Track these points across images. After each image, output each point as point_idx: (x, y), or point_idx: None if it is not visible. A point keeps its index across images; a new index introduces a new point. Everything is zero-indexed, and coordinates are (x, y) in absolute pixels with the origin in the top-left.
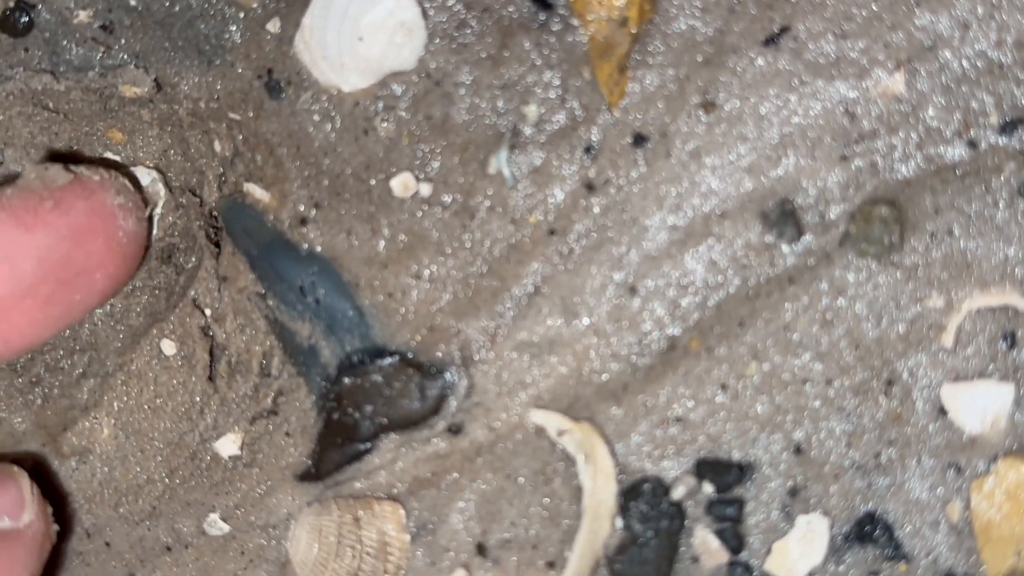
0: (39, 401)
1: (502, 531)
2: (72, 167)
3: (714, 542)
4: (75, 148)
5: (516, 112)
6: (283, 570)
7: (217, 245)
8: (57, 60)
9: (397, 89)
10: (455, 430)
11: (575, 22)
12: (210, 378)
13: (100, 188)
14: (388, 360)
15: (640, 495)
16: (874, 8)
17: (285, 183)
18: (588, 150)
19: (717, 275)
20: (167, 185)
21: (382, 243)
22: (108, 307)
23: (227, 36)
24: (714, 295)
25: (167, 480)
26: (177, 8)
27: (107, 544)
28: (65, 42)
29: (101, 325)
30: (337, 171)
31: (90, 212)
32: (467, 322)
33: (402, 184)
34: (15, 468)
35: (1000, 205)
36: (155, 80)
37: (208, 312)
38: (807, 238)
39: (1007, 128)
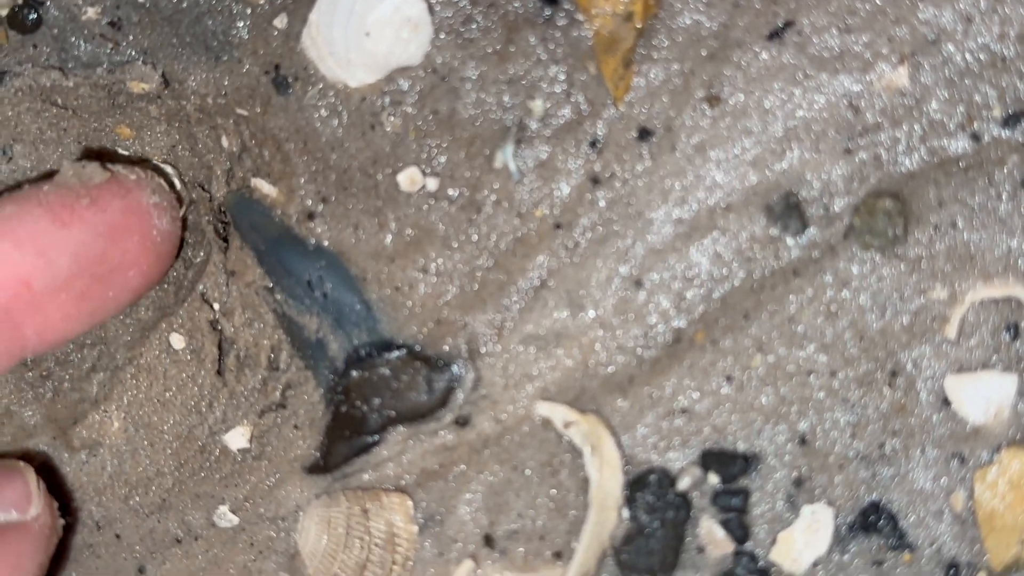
0: (49, 395)
1: (509, 522)
2: (109, 165)
3: (720, 532)
4: (84, 144)
5: (522, 107)
6: (292, 561)
7: (225, 240)
8: (66, 56)
9: (403, 84)
10: (462, 422)
11: (580, 17)
12: (219, 372)
13: (136, 187)
14: (395, 353)
15: (646, 486)
16: (878, 2)
17: (292, 178)
18: (593, 144)
19: (722, 268)
20: (180, 180)
21: (389, 237)
22: None
23: (234, 32)
24: (719, 288)
25: (177, 473)
26: (185, 4)
27: (117, 536)
28: (73, 39)
29: (111, 319)
30: (344, 166)
31: (126, 210)
32: (474, 315)
33: (409, 179)
34: (21, 463)
35: (1003, 197)
36: (163, 76)
37: (216, 306)
38: (811, 231)
39: (1010, 121)
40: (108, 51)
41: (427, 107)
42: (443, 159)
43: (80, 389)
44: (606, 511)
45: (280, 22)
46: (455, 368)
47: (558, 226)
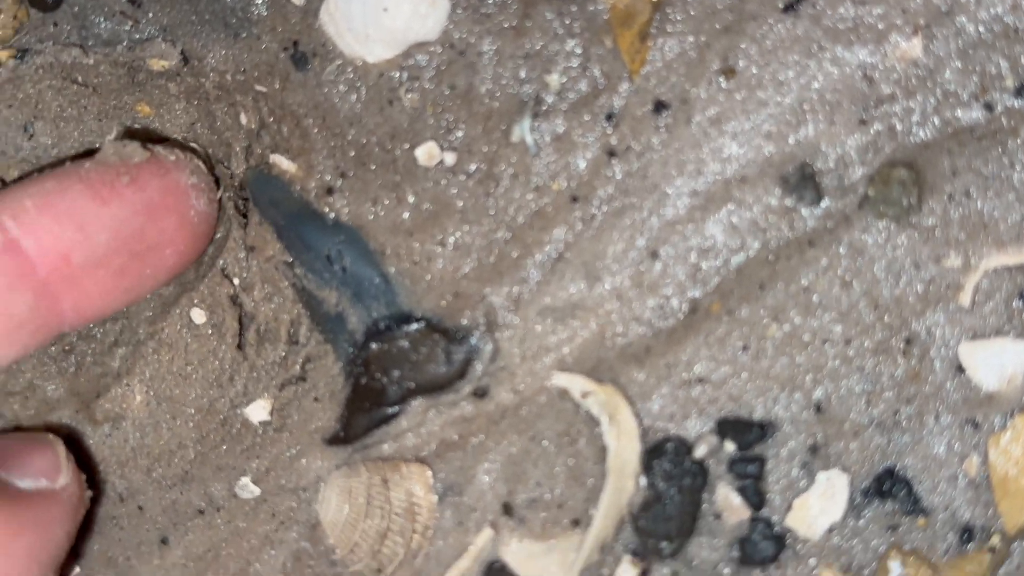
0: (72, 369)
1: (528, 491)
2: (149, 145)
3: (736, 499)
4: (103, 121)
5: (539, 81)
6: (313, 531)
7: (244, 216)
8: (86, 34)
9: (421, 59)
10: (481, 393)
11: None
12: (239, 346)
13: (175, 167)
14: (414, 326)
15: (663, 454)
16: None
17: (311, 154)
18: (610, 117)
19: (737, 239)
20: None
21: (407, 211)
22: None
23: (253, 9)
24: (734, 259)
25: (198, 445)
26: None
27: (140, 508)
28: (94, 16)
29: None
30: (362, 141)
31: (164, 190)
32: (492, 288)
33: (427, 153)
34: (50, 435)
35: (1016, 166)
36: (182, 53)
37: (236, 281)
38: (826, 201)
39: (1023, 91)
40: (128, 29)
41: (444, 82)
42: (460, 133)
43: (103, 363)
44: (624, 479)
45: None
46: (473, 340)
47: (575, 199)
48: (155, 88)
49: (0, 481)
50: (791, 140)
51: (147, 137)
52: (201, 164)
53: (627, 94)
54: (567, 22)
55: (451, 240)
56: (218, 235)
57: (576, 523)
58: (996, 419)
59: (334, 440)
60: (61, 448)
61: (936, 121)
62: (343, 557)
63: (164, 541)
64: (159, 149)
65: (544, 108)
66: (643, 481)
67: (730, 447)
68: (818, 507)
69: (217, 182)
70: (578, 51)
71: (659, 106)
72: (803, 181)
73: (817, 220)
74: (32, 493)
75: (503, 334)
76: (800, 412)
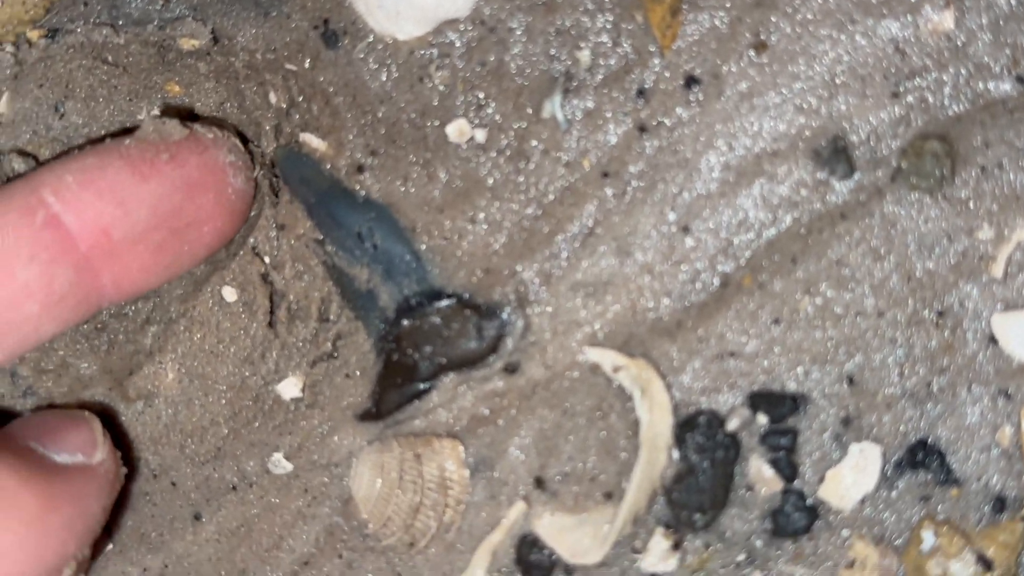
0: (105, 347)
1: (560, 465)
2: (187, 123)
3: (768, 471)
4: (134, 101)
5: (569, 57)
6: (346, 506)
7: (275, 194)
8: (117, 13)
9: (452, 36)
10: (512, 369)
11: None
12: (270, 324)
13: (213, 145)
14: (445, 302)
15: (696, 427)
16: None
17: (341, 132)
18: (641, 93)
19: (769, 213)
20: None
21: (438, 188)
22: None
23: None
24: (766, 232)
25: (231, 422)
26: None
27: (173, 484)
28: None
29: None
30: (393, 119)
31: (203, 167)
32: (523, 264)
33: (457, 130)
34: (86, 412)
35: None
36: (212, 32)
37: (267, 259)
38: (858, 174)
39: None
40: (158, 8)
41: (475, 59)
42: (491, 110)
43: (135, 341)
44: (656, 452)
45: None
46: (504, 316)
47: (605, 175)
48: (185, 68)
49: (38, 455)
50: (823, 113)
51: (185, 115)
52: (238, 142)
53: (658, 69)
54: None
55: (482, 216)
56: (250, 214)
57: (609, 496)
58: None
59: (366, 416)
60: (97, 424)
61: (968, 94)
62: (376, 531)
63: (197, 517)
64: (198, 127)
65: (575, 84)
66: (676, 454)
67: (762, 420)
68: (851, 479)
69: (253, 160)
70: (609, 26)
71: (690, 81)
72: (835, 154)
73: (849, 193)
74: (69, 468)
75: (534, 309)
76: (832, 385)
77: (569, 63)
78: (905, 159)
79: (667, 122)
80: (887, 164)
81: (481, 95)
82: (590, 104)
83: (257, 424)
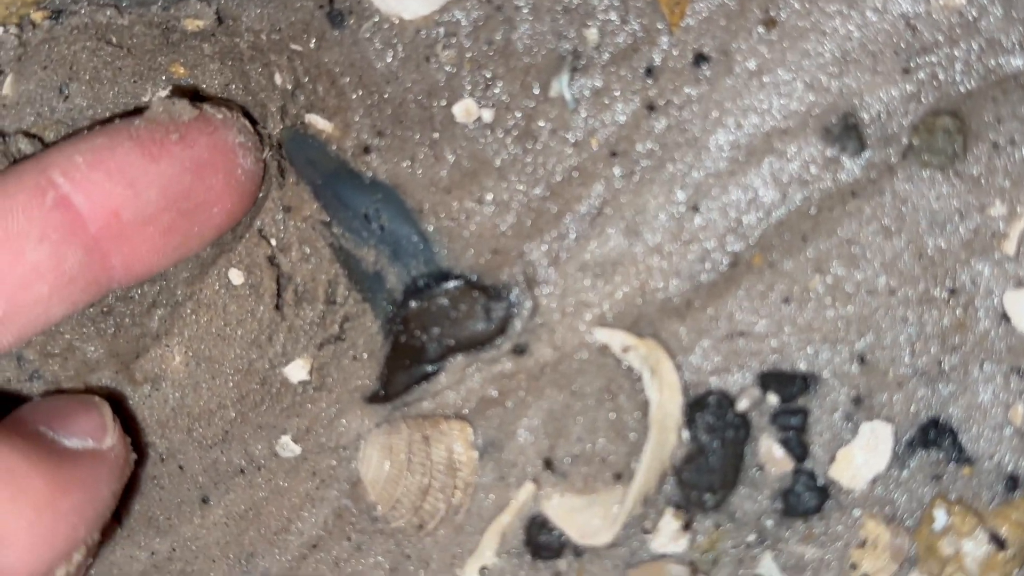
0: (111, 330)
1: (569, 446)
2: (197, 103)
3: (779, 451)
4: (138, 83)
5: (577, 35)
6: (354, 489)
7: (282, 176)
8: None
9: (458, 15)
10: (520, 350)
11: None
12: (277, 306)
13: (222, 125)
14: (453, 283)
15: (706, 407)
16: None
17: (348, 112)
18: (649, 71)
19: (779, 191)
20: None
21: (445, 169)
22: None
23: None
24: (776, 211)
25: (238, 405)
26: None
27: (180, 467)
28: None
29: None
30: (399, 99)
31: (212, 148)
32: (530, 244)
33: (464, 110)
34: (96, 397)
35: None
36: (217, 13)
37: (274, 242)
38: (869, 152)
39: None
40: None
41: (482, 38)
42: (498, 90)
43: (141, 324)
44: (666, 432)
45: None
46: (513, 297)
47: (614, 154)
48: (189, 49)
49: (48, 440)
50: (833, 90)
51: (191, 96)
52: (247, 122)
53: (666, 47)
54: None
55: (489, 197)
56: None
57: (618, 477)
58: None
59: (374, 398)
60: (107, 410)
61: (980, 69)
62: (384, 514)
63: (205, 500)
64: (207, 107)
65: (582, 63)
66: (685, 434)
67: (773, 399)
68: (862, 458)
69: (262, 141)
70: (616, 4)
71: (699, 59)
72: (846, 131)
73: (860, 170)
74: (79, 453)
75: (542, 290)
76: (843, 364)
77: (577, 41)
78: (916, 136)
79: (676, 100)
80: (898, 141)
81: (488, 74)
82: (598, 83)
83: (265, 407)
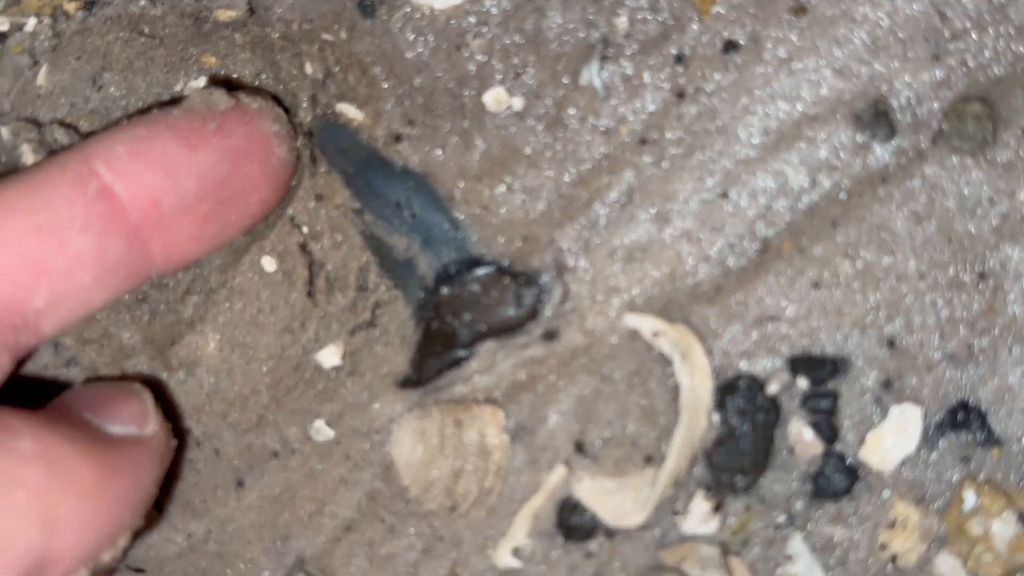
0: (146, 317)
1: (600, 430)
2: (233, 93)
3: (809, 434)
4: (171, 73)
5: (607, 23)
6: (387, 472)
7: (313, 164)
8: None
9: (488, 4)
10: (551, 335)
11: None
12: (309, 293)
13: (258, 115)
14: (484, 270)
15: (736, 391)
16: None
17: (379, 102)
18: (679, 59)
19: (809, 177)
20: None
21: (476, 157)
22: None
23: None
24: (806, 197)
25: (272, 390)
26: None
27: (216, 451)
28: None
29: None
30: (430, 88)
31: (249, 137)
32: (561, 231)
33: (495, 98)
34: (137, 385)
35: None
36: (249, 3)
37: (306, 230)
38: (899, 138)
39: None
40: None
41: (512, 27)
42: (529, 78)
43: (176, 311)
44: (697, 416)
45: None
46: (543, 283)
47: (644, 141)
48: (221, 39)
49: (92, 426)
50: (863, 77)
51: (227, 86)
52: (282, 112)
53: (696, 34)
54: None
55: (520, 184)
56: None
57: (649, 460)
58: None
59: (406, 383)
60: (149, 397)
61: (1009, 55)
62: (417, 496)
63: (240, 483)
64: (243, 96)
65: (612, 51)
66: (716, 418)
67: (803, 383)
68: (891, 440)
69: (296, 130)
70: None
71: (729, 46)
72: (876, 118)
73: (890, 156)
74: (123, 439)
75: (573, 276)
76: (873, 348)
77: (606, 29)
78: (946, 121)
79: (706, 88)
80: (928, 127)
81: (518, 63)
82: (628, 71)
83: (298, 392)
